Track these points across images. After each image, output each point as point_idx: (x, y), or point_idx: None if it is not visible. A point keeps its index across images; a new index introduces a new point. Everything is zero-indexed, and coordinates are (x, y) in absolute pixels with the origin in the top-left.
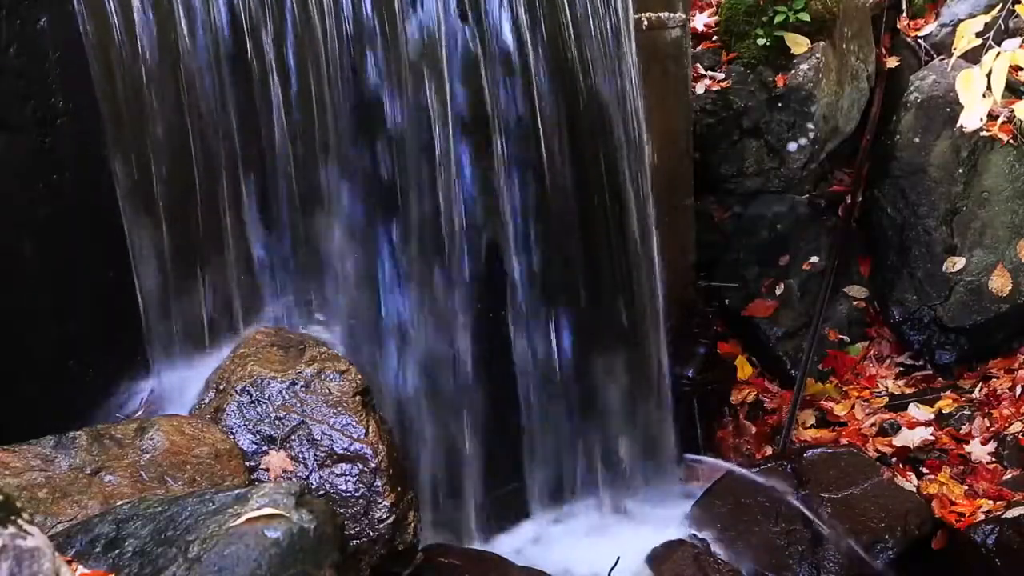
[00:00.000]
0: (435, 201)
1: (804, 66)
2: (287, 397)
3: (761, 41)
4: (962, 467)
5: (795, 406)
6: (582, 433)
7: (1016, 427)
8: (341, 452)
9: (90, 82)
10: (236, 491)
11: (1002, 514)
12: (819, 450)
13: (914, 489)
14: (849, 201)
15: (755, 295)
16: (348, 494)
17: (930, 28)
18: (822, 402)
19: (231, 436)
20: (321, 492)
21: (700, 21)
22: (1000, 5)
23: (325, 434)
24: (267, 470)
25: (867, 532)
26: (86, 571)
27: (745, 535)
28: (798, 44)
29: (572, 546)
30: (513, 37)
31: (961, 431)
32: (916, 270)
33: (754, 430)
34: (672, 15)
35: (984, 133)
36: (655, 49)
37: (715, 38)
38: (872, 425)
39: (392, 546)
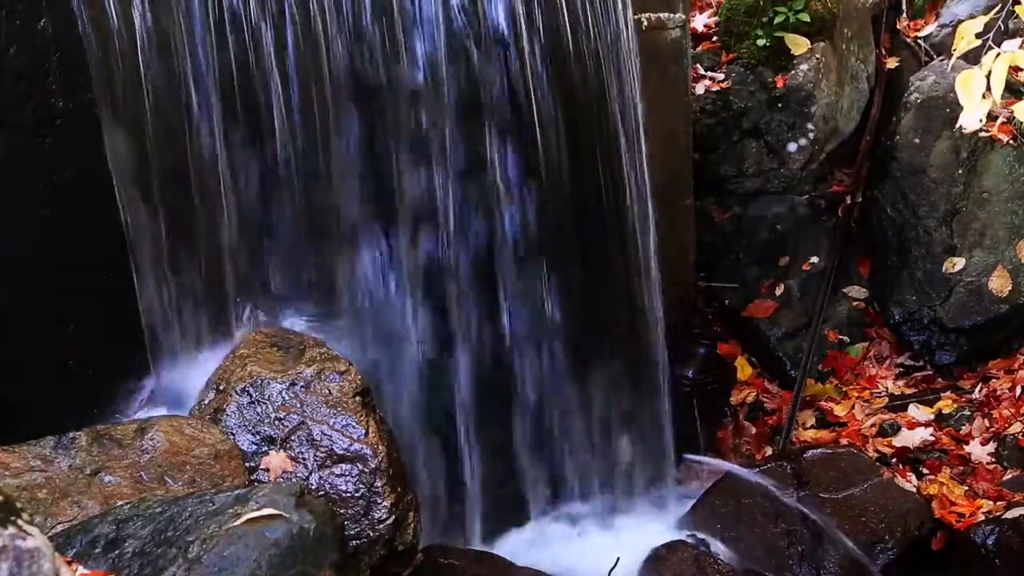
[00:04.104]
0: (433, 203)
1: (804, 66)
2: (287, 397)
3: (761, 42)
4: (962, 467)
5: (795, 406)
6: (582, 433)
7: (1016, 427)
8: (341, 452)
9: (90, 82)
10: (236, 492)
11: (1002, 514)
12: (819, 450)
13: (914, 489)
14: (849, 201)
15: (755, 295)
16: (348, 494)
17: (930, 29)
18: (822, 402)
19: (231, 436)
20: (321, 493)
21: (700, 21)
22: (1000, 6)
23: (325, 434)
24: (267, 470)
25: (867, 532)
26: (86, 571)
27: (745, 535)
28: (798, 44)
29: (572, 546)
30: (511, 39)
31: (961, 431)
32: (916, 270)
33: (754, 430)
34: (672, 15)
35: (984, 134)
36: (655, 50)
37: (715, 38)
38: (872, 425)
39: (392, 546)
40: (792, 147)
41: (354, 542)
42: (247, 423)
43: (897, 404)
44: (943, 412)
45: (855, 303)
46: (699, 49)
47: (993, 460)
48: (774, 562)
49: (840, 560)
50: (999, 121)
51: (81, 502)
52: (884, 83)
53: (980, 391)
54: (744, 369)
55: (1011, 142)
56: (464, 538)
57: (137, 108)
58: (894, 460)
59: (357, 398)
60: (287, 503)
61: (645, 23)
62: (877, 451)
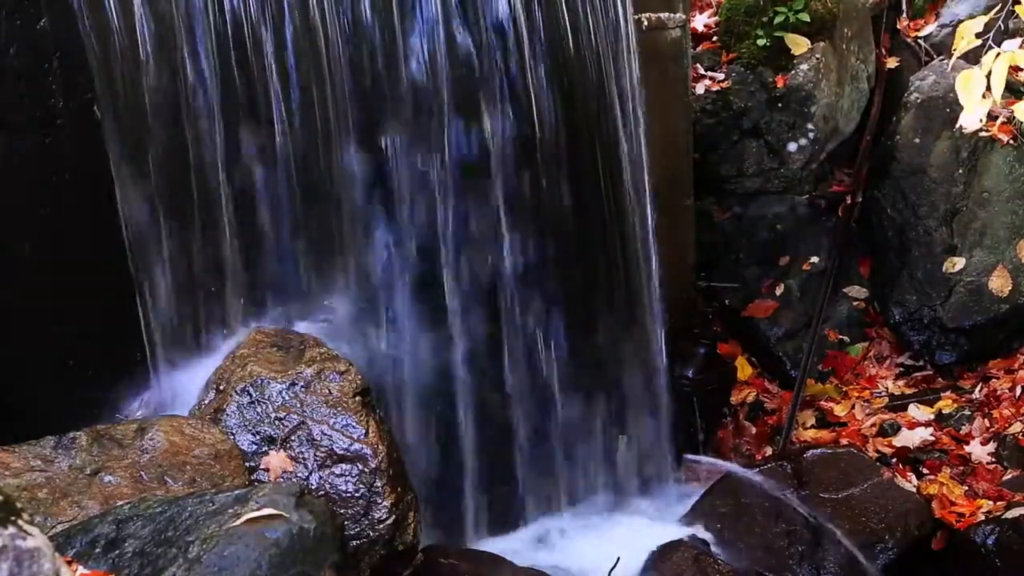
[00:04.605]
0: (432, 203)
1: (804, 66)
2: (287, 397)
3: (761, 42)
4: (962, 467)
5: (795, 406)
6: (581, 434)
7: (1016, 427)
8: (341, 452)
9: (90, 82)
10: (236, 492)
11: (1002, 514)
12: (819, 450)
13: (914, 489)
14: (849, 201)
15: (755, 295)
16: (348, 494)
17: (930, 28)
18: (822, 402)
19: (231, 436)
20: (321, 492)
21: (700, 21)
22: (1000, 5)
23: (325, 434)
24: (267, 470)
25: (867, 533)
26: (86, 571)
27: (745, 535)
28: (798, 44)
29: (572, 546)
30: (511, 39)
31: (961, 431)
32: (916, 270)
33: (754, 430)
34: (672, 15)
35: (984, 134)
36: (655, 49)
37: (715, 38)
38: (872, 425)
39: (392, 546)
40: (792, 147)
41: (354, 542)
42: (247, 423)
43: (897, 404)
44: (943, 412)
45: (855, 303)
46: (699, 49)
47: (993, 460)
48: (774, 562)
49: (840, 560)
50: (999, 121)
51: (81, 502)
52: (884, 83)
53: (980, 391)
54: (744, 369)
55: (1011, 142)
56: (464, 538)
57: (137, 107)
58: (894, 460)
59: (357, 398)
60: (287, 503)
61: (645, 23)
62: (877, 451)
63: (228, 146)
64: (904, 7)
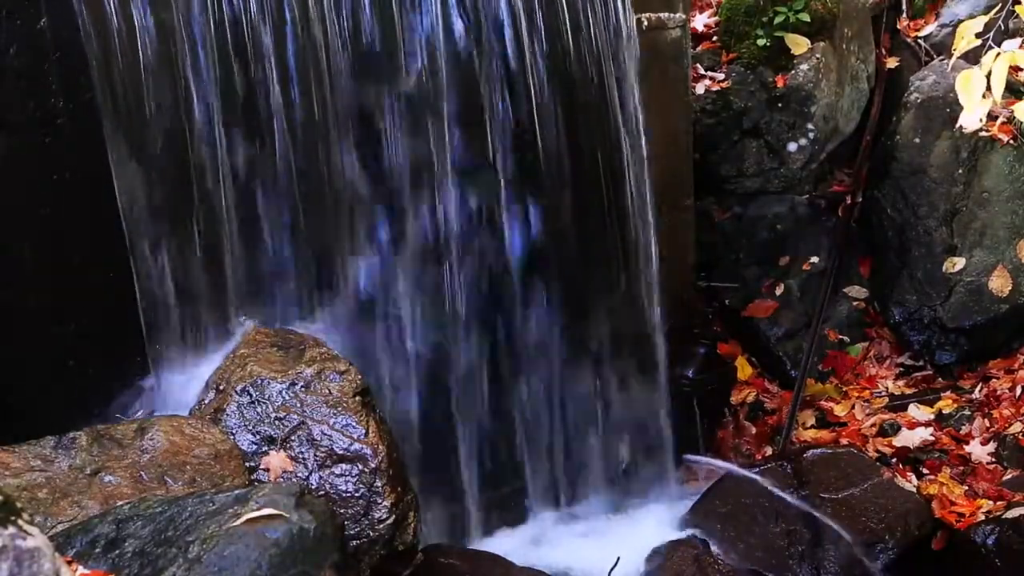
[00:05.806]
0: (433, 204)
1: (804, 66)
2: (287, 397)
3: (761, 42)
4: (962, 467)
5: (795, 406)
6: (582, 433)
7: (1016, 427)
8: (341, 452)
9: (91, 81)
10: (236, 492)
11: (1002, 514)
12: (819, 450)
13: (914, 489)
14: (849, 201)
15: (755, 295)
16: (348, 494)
17: (930, 28)
18: (822, 402)
19: (231, 436)
20: (321, 492)
21: (700, 21)
22: (1000, 5)
23: (325, 434)
24: (267, 470)
25: (867, 532)
26: (86, 571)
27: (745, 535)
28: (798, 44)
29: (572, 546)
30: (511, 39)
31: (961, 431)
32: (916, 270)
33: (754, 430)
34: (672, 15)
35: (984, 133)
36: (655, 49)
37: (715, 38)
38: (872, 425)
39: (392, 546)
40: (792, 147)
41: (354, 542)
42: (247, 423)
43: (897, 404)
44: (943, 412)
45: (855, 303)
46: (699, 49)
47: (993, 460)
48: (774, 562)
49: (840, 560)
50: (999, 121)
51: (81, 502)
52: (884, 83)
53: (980, 391)
54: (744, 369)
55: (1011, 142)
56: (464, 538)
57: (138, 107)
58: (894, 460)
59: (357, 398)
60: (287, 503)
61: (645, 23)
62: (877, 451)
63: (228, 144)
64: (904, 7)
